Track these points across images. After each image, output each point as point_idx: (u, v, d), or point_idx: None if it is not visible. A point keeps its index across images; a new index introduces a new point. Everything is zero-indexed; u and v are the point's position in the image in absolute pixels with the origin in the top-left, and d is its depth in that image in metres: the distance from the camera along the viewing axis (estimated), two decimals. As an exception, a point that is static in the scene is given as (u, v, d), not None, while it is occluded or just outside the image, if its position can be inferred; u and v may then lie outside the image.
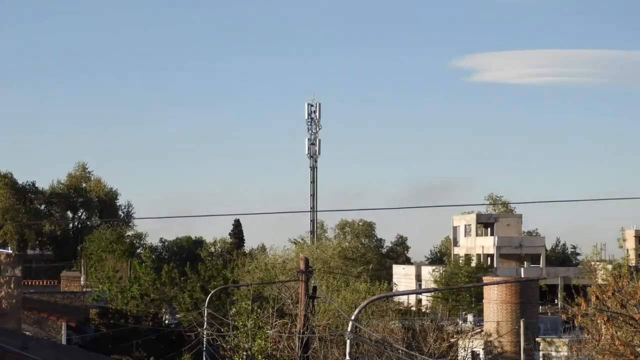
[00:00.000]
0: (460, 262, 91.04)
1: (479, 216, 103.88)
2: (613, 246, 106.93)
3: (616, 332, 20.64)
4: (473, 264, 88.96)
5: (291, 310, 41.77)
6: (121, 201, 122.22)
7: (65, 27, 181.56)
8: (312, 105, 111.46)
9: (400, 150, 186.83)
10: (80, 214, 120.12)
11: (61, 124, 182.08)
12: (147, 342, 50.67)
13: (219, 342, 39.78)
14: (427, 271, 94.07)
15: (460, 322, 59.91)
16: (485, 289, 48.85)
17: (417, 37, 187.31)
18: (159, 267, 61.26)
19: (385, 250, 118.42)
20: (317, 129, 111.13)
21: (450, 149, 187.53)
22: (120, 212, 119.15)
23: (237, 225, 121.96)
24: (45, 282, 67.94)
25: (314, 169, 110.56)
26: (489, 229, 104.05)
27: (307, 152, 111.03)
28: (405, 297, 78.15)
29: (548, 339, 49.22)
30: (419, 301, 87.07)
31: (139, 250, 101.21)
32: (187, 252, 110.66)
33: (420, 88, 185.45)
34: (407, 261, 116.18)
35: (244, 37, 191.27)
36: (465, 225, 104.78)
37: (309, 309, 28.59)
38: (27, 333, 31.79)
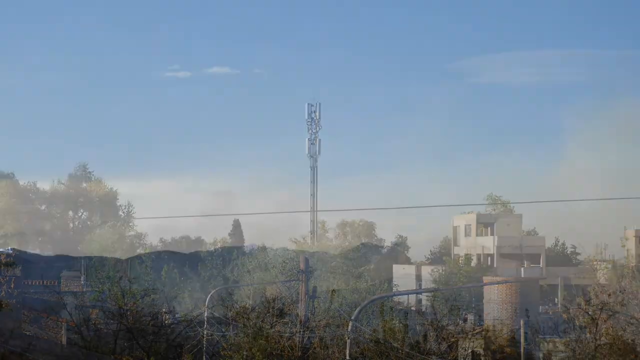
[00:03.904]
0: (461, 262, 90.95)
1: (479, 216, 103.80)
2: (613, 246, 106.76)
3: (616, 332, 20.65)
4: (473, 264, 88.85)
5: (291, 310, 41.72)
6: (121, 201, 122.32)
7: (65, 28, 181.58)
8: (312, 105, 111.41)
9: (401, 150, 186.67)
10: (80, 214, 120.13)
11: (62, 124, 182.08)
12: (147, 342, 50.57)
13: (220, 342, 39.75)
14: (427, 271, 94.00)
15: (460, 322, 59.80)
16: (485, 289, 48.85)
17: (415, 38, 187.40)
18: (159, 267, 61.32)
19: (386, 250, 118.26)
20: (317, 129, 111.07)
21: (449, 149, 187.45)
22: (120, 212, 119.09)
23: (237, 225, 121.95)
24: (45, 282, 67.87)
25: (314, 169, 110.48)
26: (489, 228, 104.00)
27: (307, 152, 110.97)
28: (405, 297, 78.10)
29: (548, 339, 49.16)
30: (419, 301, 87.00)
31: (138, 250, 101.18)
32: (186, 251, 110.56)
33: (418, 89, 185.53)
34: (407, 261, 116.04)
35: (244, 38, 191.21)
36: (465, 225, 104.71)
37: (309, 309, 28.55)
38: (27, 333, 31.74)
